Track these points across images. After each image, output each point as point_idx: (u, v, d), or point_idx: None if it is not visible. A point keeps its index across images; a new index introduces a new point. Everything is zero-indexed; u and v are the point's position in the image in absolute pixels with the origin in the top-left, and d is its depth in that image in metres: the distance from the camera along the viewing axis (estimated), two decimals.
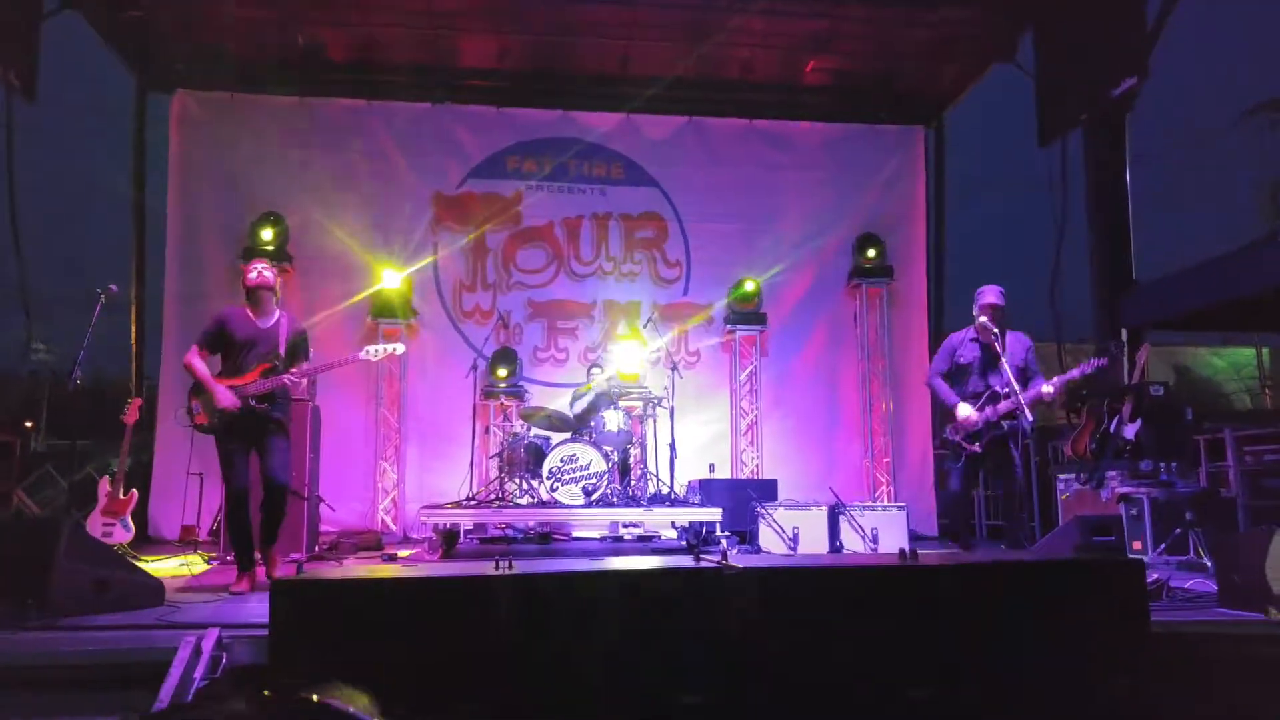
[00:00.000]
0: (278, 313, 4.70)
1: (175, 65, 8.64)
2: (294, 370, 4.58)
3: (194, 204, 8.55)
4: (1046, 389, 4.91)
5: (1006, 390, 4.98)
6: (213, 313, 4.78)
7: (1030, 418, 4.86)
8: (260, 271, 4.62)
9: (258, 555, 4.63)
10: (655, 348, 8.57)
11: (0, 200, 6.95)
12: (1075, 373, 5.02)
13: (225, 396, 4.46)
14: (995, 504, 7.80)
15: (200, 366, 4.55)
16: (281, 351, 4.58)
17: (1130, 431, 6.66)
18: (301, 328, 4.79)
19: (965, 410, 5.07)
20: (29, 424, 8.40)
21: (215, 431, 4.55)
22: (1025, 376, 5.03)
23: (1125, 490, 6.12)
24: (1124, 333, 7.80)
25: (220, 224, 8.51)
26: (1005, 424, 5.00)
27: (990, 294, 5.15)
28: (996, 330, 5.04)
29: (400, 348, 5.11)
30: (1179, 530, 5.68)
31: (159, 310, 8.32)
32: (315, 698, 0.69)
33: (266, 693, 0.70)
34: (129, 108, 8.84)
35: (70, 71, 8.24)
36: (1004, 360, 4.99)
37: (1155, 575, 4.24)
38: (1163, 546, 5.75)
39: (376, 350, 4.90)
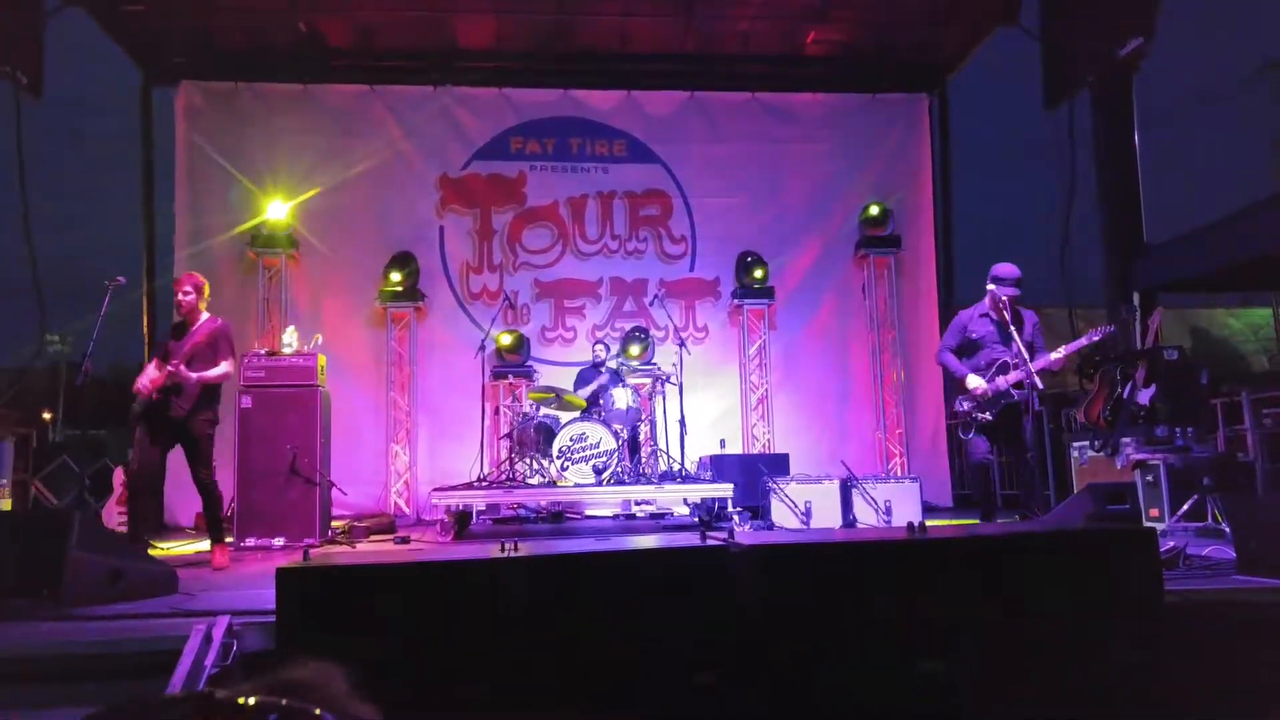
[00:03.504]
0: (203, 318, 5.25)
1: (179, 58, 8.65)
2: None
3: (201, 194, 8.58)
4: (1055, 356, 4.91)
5: (1016, 360, 4.98)
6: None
7: (1040, 386, 4.83)
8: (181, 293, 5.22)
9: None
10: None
11: (11, 196, 7.01)
12: (1083, 340, 5.01)
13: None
14: (1009, 473, 7.77)
15: None
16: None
17: (1145, 397, 6.58)
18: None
19: (975, 380, 5.09)
20: (46, 415, 8.49)
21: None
22: (1031, 351, 5.03)
23: (1140, 457, 6.05)
24: (1136, 297, 7.69)
25: (227, 214, 8.53)
26: (1015, 393, 5.00)
27: (1011, 273, 5.15)
28: (1009, 310, 5.04)
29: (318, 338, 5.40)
30: (1196, 496, 5.62)
31: (170, 300, 8.36)
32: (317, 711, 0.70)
33: (240, 699, 0.69)
34: (135, 101, 8.87)
35: (76, 67, 8.28)
36: (1029, 327, 5.03)
37: (1172, 543, 4.18)
38: (1180, 513, 5.69)
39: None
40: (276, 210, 8.31)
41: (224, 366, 5.23)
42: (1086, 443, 6.83)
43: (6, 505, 5.86)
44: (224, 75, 8.71)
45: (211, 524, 5.15)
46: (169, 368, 4.98)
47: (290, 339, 6.41)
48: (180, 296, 5.26)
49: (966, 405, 5.15)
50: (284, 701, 0.72)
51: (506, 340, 8.44)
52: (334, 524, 6.52)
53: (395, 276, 8.45)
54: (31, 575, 3.36)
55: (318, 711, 0.73)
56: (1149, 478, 5.96)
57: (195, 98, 8.68)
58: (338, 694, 0.80)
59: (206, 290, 5.32)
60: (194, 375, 5.06)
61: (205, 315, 5.28)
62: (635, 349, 8.29)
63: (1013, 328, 5.00)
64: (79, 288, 5.52)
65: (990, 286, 5.20)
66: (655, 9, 8.46)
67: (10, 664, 2.74)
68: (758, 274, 8.86)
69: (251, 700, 0.71)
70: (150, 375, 4.97)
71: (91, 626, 3.07)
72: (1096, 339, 5.00)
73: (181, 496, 7.82)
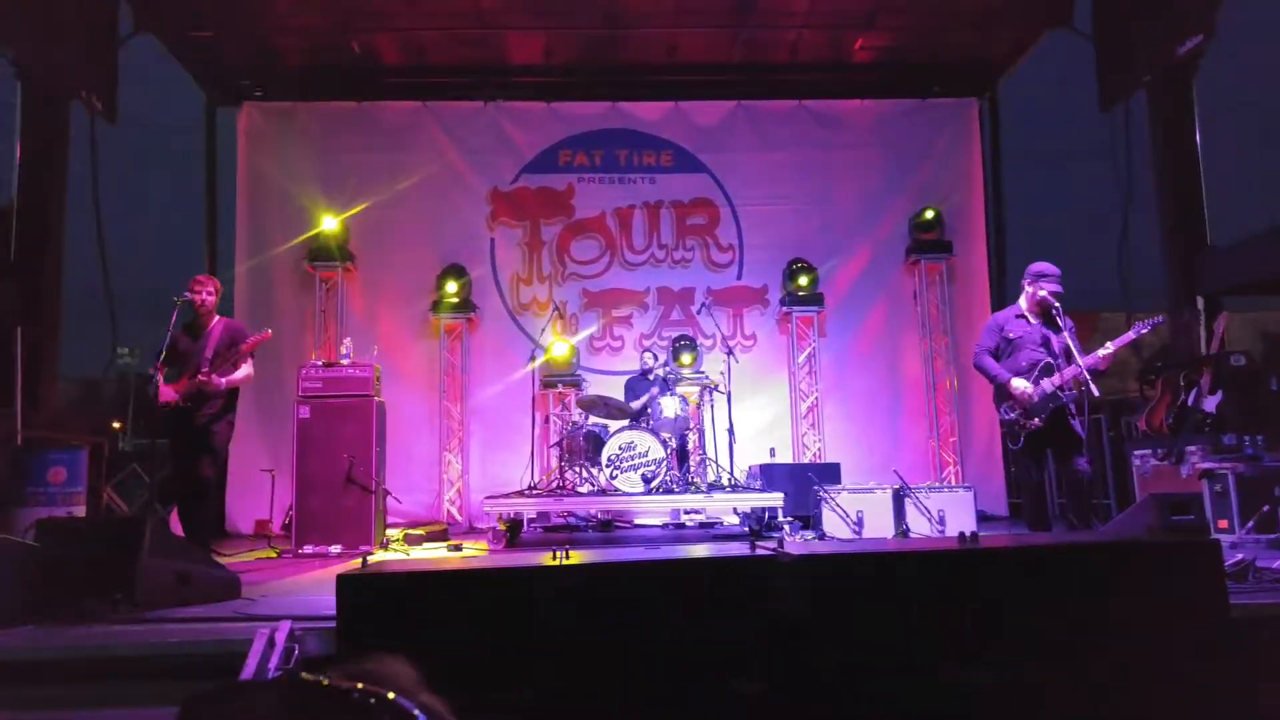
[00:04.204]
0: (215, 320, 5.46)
1: (241, 80, 8.97)
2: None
3: (261, 211, 8.86)
4: (1103, 353, 4.73)
5: (1059, 362, 4.85)
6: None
7: (1096, 392, 4.70)
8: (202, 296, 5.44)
9: None
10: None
11: (86, 215, 7.33)
12: (1131, 334, 4.82)
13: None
14: (1062, 481, 7.61)
15: None
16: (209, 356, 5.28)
17: (1211, 404, 6.39)
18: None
19: (1020, 384, 4.89)
20: (117, 425, 8.83)
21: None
22: (1069, 356, 4.88)
23: (1207, 466, 5.86)
24: (1200, 300, 7.45)
25: (286, 230, 8.79)
26: (1063, 395, 4.84)
27: (1055, 269, 5.02)
28: (1058, 305, 4.91)
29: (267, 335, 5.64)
30: (1267, 507, 5.43)
31: (230, 315, 8.64)
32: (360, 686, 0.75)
33: (324, 680, 0.75)
34: (200, 122, 9.23)
35: (146, 91, 8.61)
36: (1066, 333, 4.87)
37: (1240, 555, 4.05)
38: (1250, 524, 5.50)
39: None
40: (331, 224, 8.54)
41: (246, 369, 5.39)
42: (1149, 451, 6.62)
43: (81, 511, 6.10)
44: (283, 95, 9.01)
45: (202, 526, 5.35)
46: (200, 376, 5.12)
47: (346, 350, 6.58)
48: (204, 297, 5.44)
49: (1013, 414, 4.98)
50: (360, 686, 0.77)
51: (557, 350, 8.53)
52: (388, 531, 6.65)
53: (448, 288, 8.61)
54: (104, 578, 3.49)
55: (391, 695, 0.78)
56: (1217, 487, 5.76)
57: (255, 118, 8.99)
58: (407, 684, 0.84)
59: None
60: (224, 381, 5.21)
61: (216, 316, 5.48)
62: (686, 357, 8.30)
63: (1062, 327, 4.87)
64: (148, 303, 5.76)
65: (1028, 287, 5.06)
66: (702, 21, 8.48)
67: (90, 664, 2.87)
68: (806, 281, 8.82)
69: (332, 683, 0.76)
70: (172, 386, 5.16)
71: (162, 629, 3.19)
72: (1145, 330, 4.82)
73: (242, 502, 8.12)
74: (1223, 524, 5.62)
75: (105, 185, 7.41)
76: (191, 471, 5.30)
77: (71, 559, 3.54)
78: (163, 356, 5.27)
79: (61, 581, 3.44)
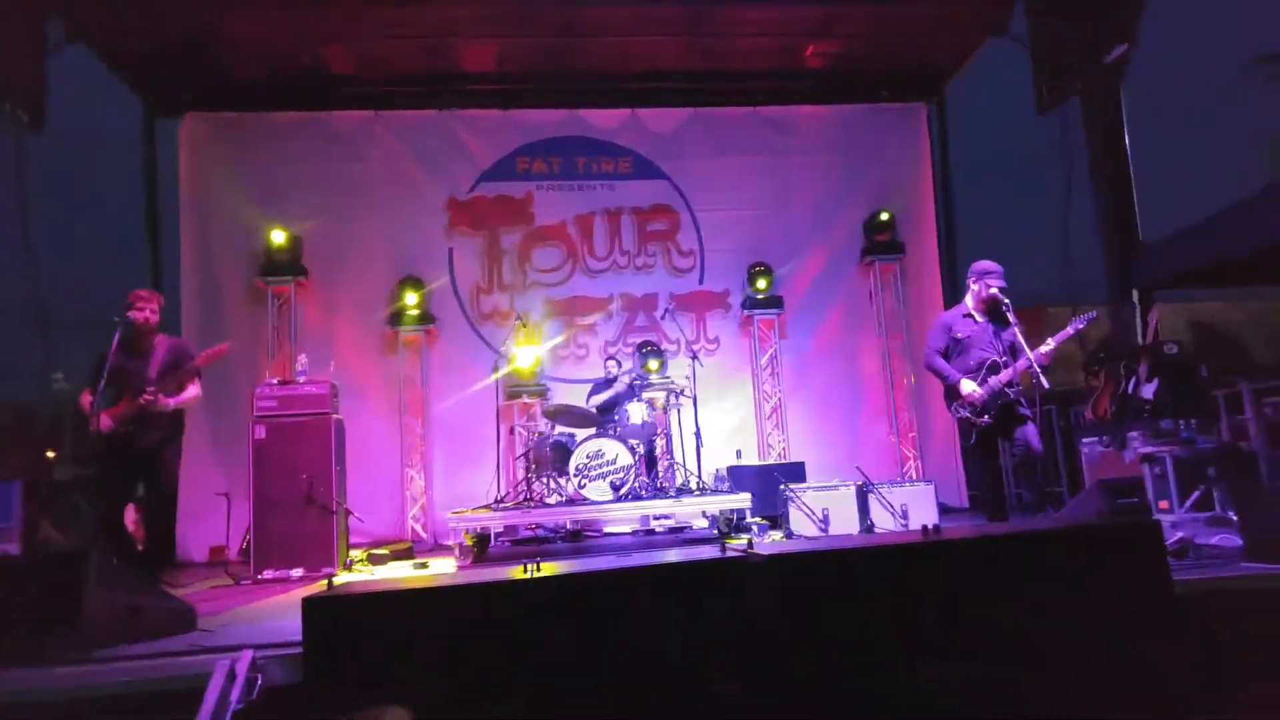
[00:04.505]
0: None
1: (182, 90, 8.70)
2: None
3: (207, 226, 8.61)
4: (1044, 349, 4.83)
5: (1005, 359, 4.94)
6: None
7: (1046, 385, 4.77)
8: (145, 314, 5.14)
9: None
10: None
11: (15, 233, 7.01)
12: (1069, 330, 4.94)
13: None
14: (1020, 471, 7.78)
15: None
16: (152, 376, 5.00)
17: (1148, 391, 6.63)
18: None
19: (969, 386, 4.99)
20: (51, 454, 8.45)
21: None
22: (1014, 352, 4.97)
23: (1147, 450, 6.10)
24: (1135, 294, 7.74)
25: (234, 243, 8.57)
26: (1010, 391, 4.93)
27: (995, 269, 5.09)
28: (1008, 301, 4.97)
29: (225, 347, 5.38)
30: (1203, 487, 5.66)
31: (177, 334, 8.36)
32: None
33: None
34: (138, 133, 8.91)
35: (79, 101, 8.30)
36: (1015, 329, 4.95)
37: (1180, 534, 4.22)
38: (1188, 504, 5.72)
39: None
40: (282, 237, 8.32)
41: (194, 389, 5.16)
42: (1096, 439, 6.88)
43: (15, 549, 5.79)
44: (228, 106, 8.77)
45: (155, 557, 5.11)
46: (146, 397, 4.85)
47: (301, 367, 6.39)
48: (146, 314, 5.14)
49: (964, 412, 5.05)
50: None
51: (522, 360, 8.41)
52: (352, 552, 6.47)
53: (407, 300, 8.47)
54: (48, 618, 3.30)
55: None
56: (1157, 470, 5.99)
57: (200, 128, 8.72)
58: None
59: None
60: (171, 402, 4.96)
61: (158, 335, 5.20)
62: (654, 363, 8.26)
63: (1013, 321, 4.94)
64: (86, 324, 5.47)
65: (973, 284, 5.14)
66: (657, 29, 8.50)
67: (38, 709, 2.70)
68: (766, 284, 8.91)
69: None
70: (109, 411, 4.88)
71: (114, 668, 3.03)
72: (1081, 325, 4.93)
73: (195, 529, 7.83)
74: (1164, 505, 5.85)
75: (36, 201, 7.10)
76: (149, 504, 5.07)
77: (11, 599, 3.33)
78: (102, 380, 4.87)
79: (2, 624, 3.23)
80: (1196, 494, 5.68)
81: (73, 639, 3.22)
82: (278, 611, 4.35)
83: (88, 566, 3.36)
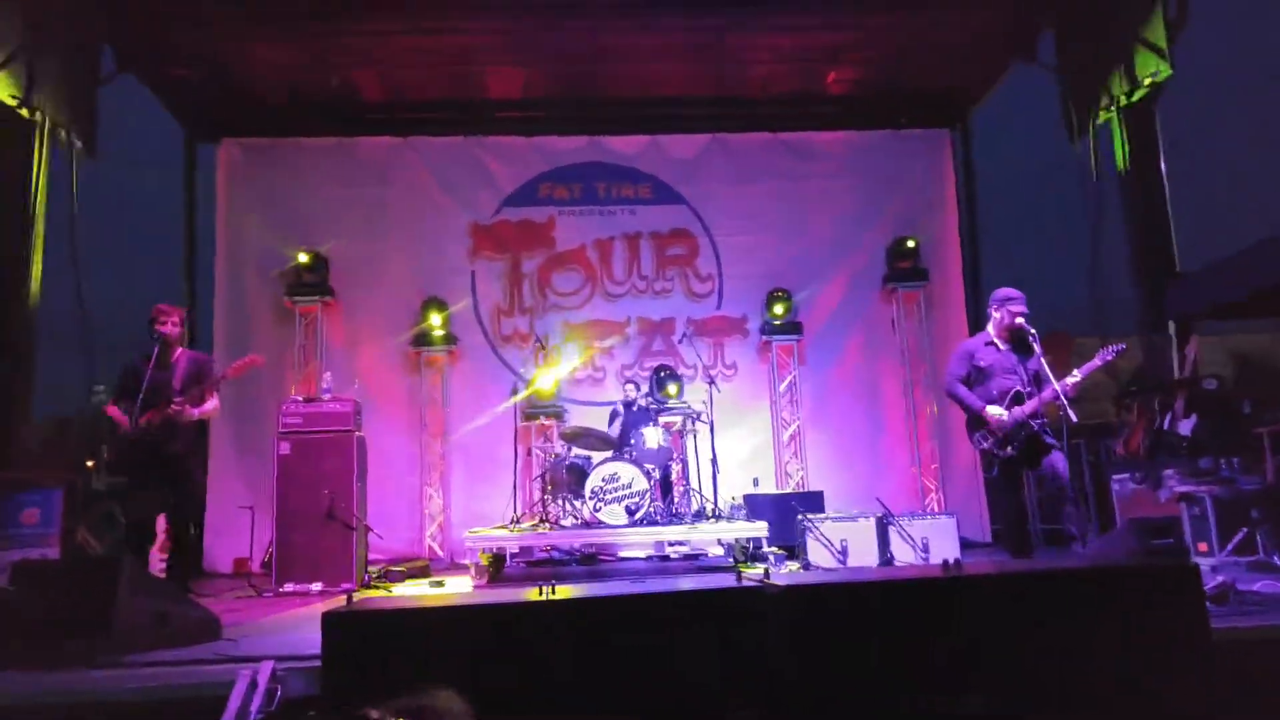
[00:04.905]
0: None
1: (220, 116, 8.98)
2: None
3: (239, 247, 8.83)
4: (1071, 381, 4.72)
5: (1029, 390, 4.87)
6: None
7: (1074, 418, 4.71)
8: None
9: None
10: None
11: (64, 252, 7.27)
12: (1097, 361, 4.84)
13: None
14: (1046, 507, 7.63)
15: None
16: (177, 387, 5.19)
17: (1185, 427, 6.43)
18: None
19: (995, 411, 4.88)
20: (90, 463, 8.66)
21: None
22: (1039, 383, 4.91)
23: (1185, 489, 5.87)
24: (1171, 325, 7.56)
25: (265, 265, 8.77)
26: (1035, 423, 4.85)
27: (1017, 296, 5.05)
28: (1033, 330, 4.93)
29: (259, 359, 5.62)
30: (1245, 530, 5.45)
31: (209, 350, 8.56)
32: (375, 714, 0.74)
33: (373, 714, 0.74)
34: (180, 159, 9.22)
35: (126, 128, 8.62)
36: (1039, 358, 4.86)
37: (1220, 578, 4.06)
38: (1229, 547, 5.52)
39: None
40: (310, 259, 8.52)
41: (214, 402, 5.32)
42: (1127, 475, 6.65)
43: (55, 553, 5.98)
44: (262, 131, 9.03)
45: (182, 574, 5.26)
46: (172, 408, 5.02)
47: (326, 384, 6.54)
48: (169, 327, 5.33)
49: (987, 444, 4.96)
50: None
51: (542, 382, 8.51)
52: (370, 568, 6.57)
53: (432, 320, 8.59)
54: (81, 622, 3.42)
55: None
56: (1195, 510, 5.78)
57: (235, 153, 8.98)
58: (461, 718, 0.83)
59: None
60: (196, 412, 5.12)
61: (179, 348, 5.42)
62: (671, 388, 8.31)
63: (1038, 350, 4.86)
64: (125, 340, 5.67)
65: (995, 312, 5.07)
66: (678, 56, 8.62)
67: (68, 710, 2.80)
68: (785, 310, 8.89)
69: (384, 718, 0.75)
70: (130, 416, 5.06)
71: (141, 672, 3.13)
72: (1110, 358, 4.83)
73: (221, 541, 7.99)
74: (1202, 547, 5.63)
75: (83, 222, 7.36)
76: (178, 525, 5.26)
77: (47, 602, 3.46)
78: (142, 391, 5.10)
79: (38, 625, 3.36)
80: (1239, 536, 5.49)
81: (105, 642, 3.34)
82: (298, 624, 4.44)
83: (120, 573, 3.48)
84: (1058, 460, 4.85)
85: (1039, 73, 8.55)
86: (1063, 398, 4.66)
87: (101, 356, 7.40)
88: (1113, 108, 7.85)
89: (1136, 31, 7.41)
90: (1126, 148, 7.86)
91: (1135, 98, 7.61)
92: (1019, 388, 4.90)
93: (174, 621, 3.66)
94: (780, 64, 8.86)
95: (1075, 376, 4.75)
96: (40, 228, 6.89)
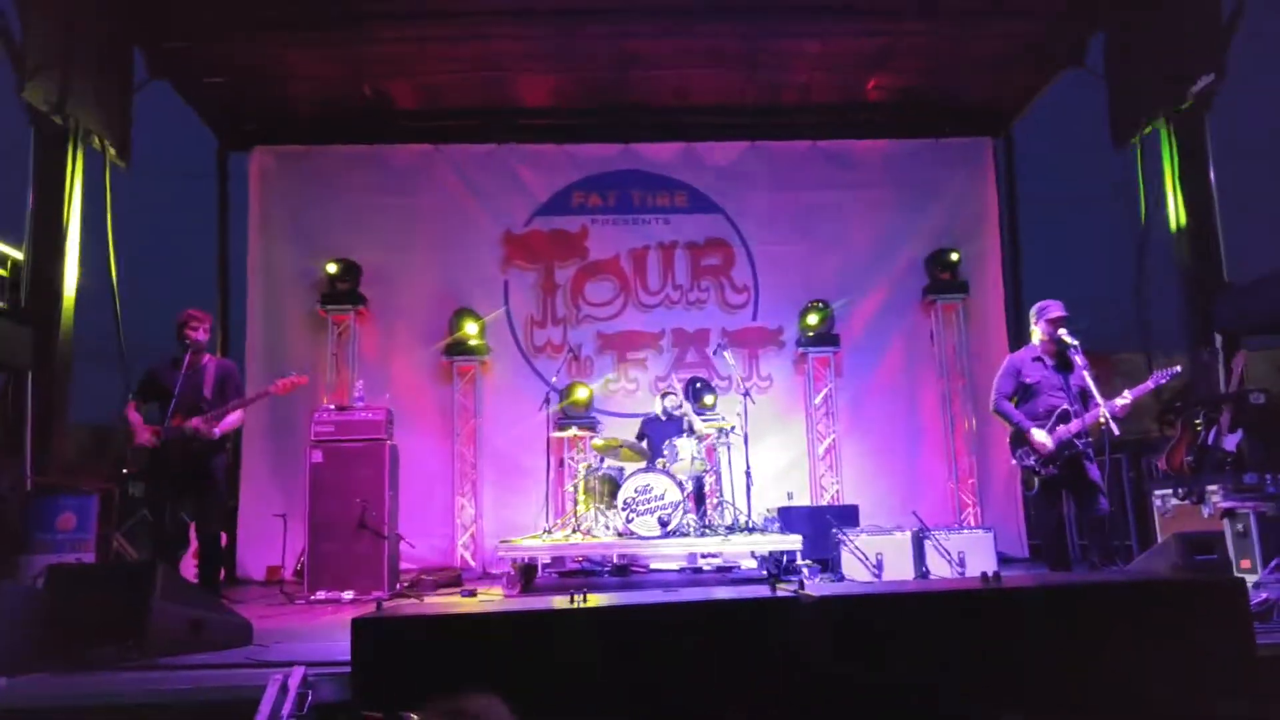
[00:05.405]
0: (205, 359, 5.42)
1: (253, 124, 9.09)
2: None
3: (273, 254, 8.91)
4: (1121, 402, 4.69)
5: (1076, 408, 4.82)
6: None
7: (1117, 433, 4.62)
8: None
9: None
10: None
11: (100, 260, 7.36)
12: (1149, 384, 4.81)
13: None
14: (1082, 524, 7.50)
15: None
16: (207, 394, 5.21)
17: (1231, 443, 6.32)
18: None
19: (1040, 435, 4.88)
20: (126, 471, 8.78)
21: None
22: (1085, 399, 4.83)
23: (1229, 505, 5.75)
24: (1218, 338, 7.39)
25: (298, 272, 8.85)
26: (1079, 442, 4.81)
27: (1058, 309, 5.00)
28: (1076, 342, 4.86)
29: (304, 378, 5.66)
30: None
31: (242, 358, 8.64)
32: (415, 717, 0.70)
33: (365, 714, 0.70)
34: (213, 167, 9.32)
35: (160, 136, 8.74)
36: (1083, 373, 4.81)
37: (1265, 595, 3.99)
38: (1274, 564, 5.38)
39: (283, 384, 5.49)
40: (342, 267, 8.57)
41: (239, 415, 5.32)
42: (1170, 491, 6.54)
43: (90, 558, 6.04)
44: (295, 139, 9.11)
45: (209, 580, 5.24)
46: (199, 427, 5.03)
47: (359, 393, 6.55)
48: (200, 334, 5.33)
49: (1029, 461, 4.94)
50: None
51: (575, 393, 8.48)
52: (400, 578, 6.55)
53: (467, 329, 8.60)
54: (115, 625, 3.43)
55: None
56: (1238, 527, 5.66)
57: (267, 161, 9.06)
58: None
59: None
60: (218, 431, 5.12)
61: (207, 354, 5.43)
62: (707, 399, 8.23)
63: (1080, 364, 4.82)
64: (161, 348, 5.72)
65: (1038, 325, 5.03)
66: (714, 63, 8.57)
67: (102, 712, 2.80)
68: (822, 321, 8.78)
69: None
70: (152, 428, 5.11)
71: (174, 676, 3.13)
72: (1163, 381, 4.80)
73: (254, 548, 8.03)
74: (1245, 564, 5.52)
75: (118, 230, 7.44)
76: (203, 528, 5.26)
77: (82, 605, 3.49)
78: (174, 399, 5.11)
79: (72, 628, 3.38)
80: None
81: (139, 646, 3.33)
82: (329, 631, 4.43)
83: (155, 578, 3.48)
84: (1098, 499, 4.81)
85: (1083, 85, 8.40)
86: (1109, 420, 4.62)
87: (138, 364, 7.48)
88: (1161, 116, 7.68)
89: (1188, 36, 7.27)
90: (1175, 158, 7.68)
91: (1184, 106, 7.44)
92: (1065, 406, 4.88)
93: (207, 627, 3.66)
94: (819, 72, 8.77)
95: (1125, 399, 4.74)
96: (76, 236, 6.96)
